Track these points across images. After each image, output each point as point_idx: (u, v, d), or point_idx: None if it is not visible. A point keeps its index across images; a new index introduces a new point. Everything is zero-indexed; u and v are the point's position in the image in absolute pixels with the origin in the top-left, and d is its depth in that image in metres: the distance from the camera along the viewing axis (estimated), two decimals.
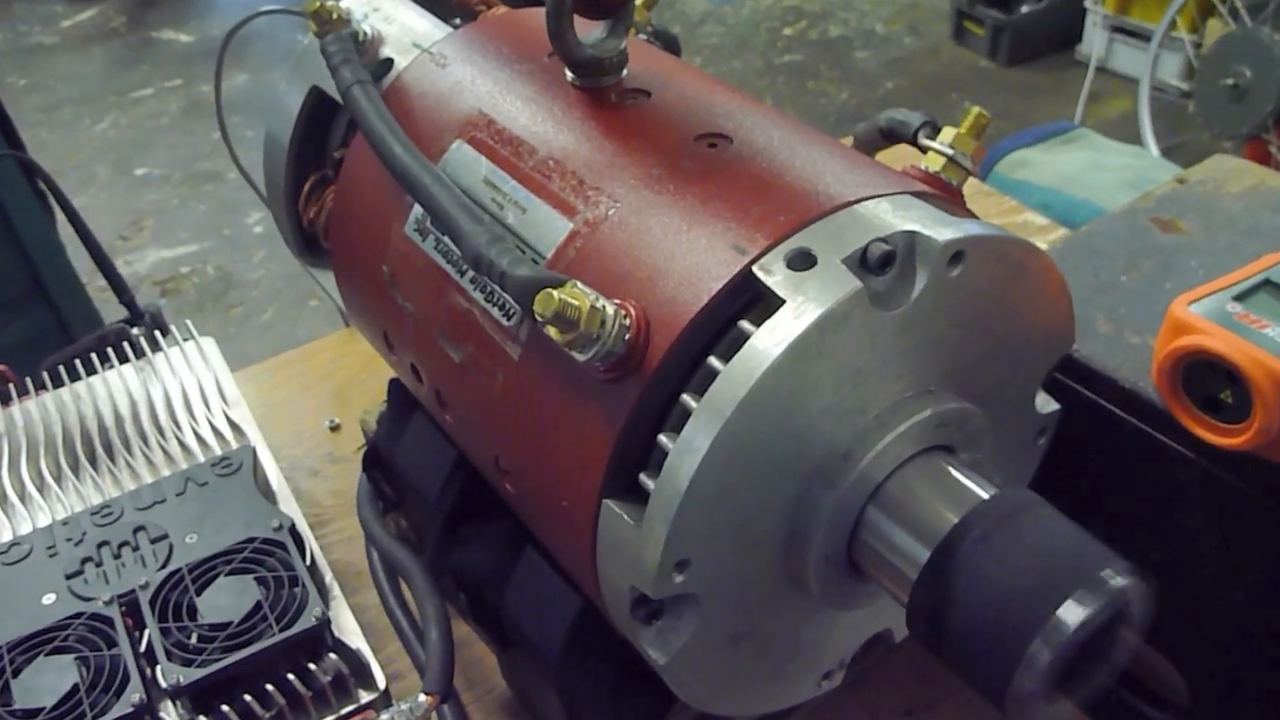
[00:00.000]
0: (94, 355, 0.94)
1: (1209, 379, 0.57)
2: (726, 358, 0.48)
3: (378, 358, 0.86)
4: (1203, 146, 3.00)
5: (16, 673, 0.66)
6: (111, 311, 1.80)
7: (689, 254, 0.52)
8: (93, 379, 0.92)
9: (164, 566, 0.72)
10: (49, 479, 0.82)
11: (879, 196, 0.52)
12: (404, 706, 0.66)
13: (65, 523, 0.77)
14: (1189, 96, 3.03)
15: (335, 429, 1.07)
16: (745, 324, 0.49)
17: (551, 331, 0.49)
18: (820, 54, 3.97)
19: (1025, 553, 0.49)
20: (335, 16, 0.71)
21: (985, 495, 0.52)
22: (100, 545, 0.75)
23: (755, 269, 0.49)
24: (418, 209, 0.63)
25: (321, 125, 0.77)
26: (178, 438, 0.84)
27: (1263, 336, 0.57)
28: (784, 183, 0.54)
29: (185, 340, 0.95)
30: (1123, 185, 1.54)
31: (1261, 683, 0.64)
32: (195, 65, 4.12)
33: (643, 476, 0.50)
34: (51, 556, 0.74)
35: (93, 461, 0.84)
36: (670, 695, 0.67)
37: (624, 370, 0.50)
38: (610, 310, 0.49)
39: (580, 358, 0.49)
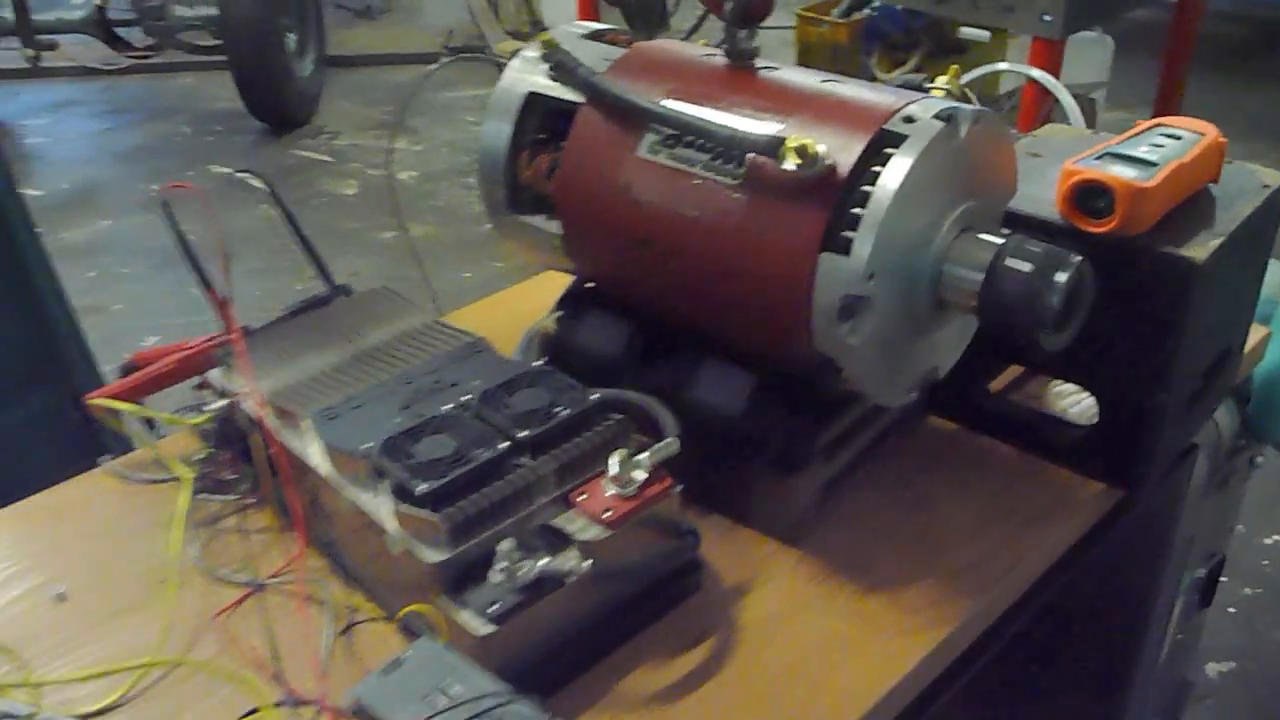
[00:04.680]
0: None
1: (1089, 194, 1.09)
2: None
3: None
4: None
5: (415, 440, 1.01)
6: None
7: (849, 123, 0.98)
8: None
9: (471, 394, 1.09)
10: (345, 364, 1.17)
11: (927, 97, 1.02)
12: (659, 445, 1.05)
13: (379, 385, 1.12)
14: None
15: None
16: (890, 151, 0.96)
17: (791, 159, 0.94)
18: None
19: (1031, 258, 0.97)
20: (553, 42, 1.15)
21: (1002, 240, 1.00)
22: (415, 390, 1.10)
23: (886, 126, 0.97)
24: (650, 136, 1.07)
25: (528, 119, 1.20)
26: (427, 341, 1.20)
27: (1112, 170, 1.09)
28: (885, 91, 1.02)
29: None
30: None
31: (1142, 404, 1.14)
32: (49, 216, 4.27)
33: (845, 232, 0.95)
34: (385, 400, 1.09)
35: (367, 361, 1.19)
36: (817, 423, 1.10)
37: (825, 182, 0.96)
38: (821, 148, 0.95)
39: (807, 172, 0.95)
